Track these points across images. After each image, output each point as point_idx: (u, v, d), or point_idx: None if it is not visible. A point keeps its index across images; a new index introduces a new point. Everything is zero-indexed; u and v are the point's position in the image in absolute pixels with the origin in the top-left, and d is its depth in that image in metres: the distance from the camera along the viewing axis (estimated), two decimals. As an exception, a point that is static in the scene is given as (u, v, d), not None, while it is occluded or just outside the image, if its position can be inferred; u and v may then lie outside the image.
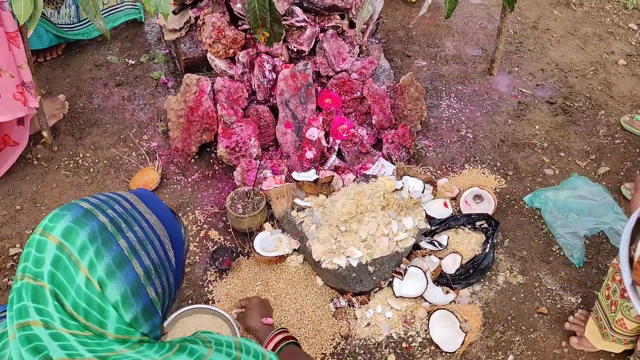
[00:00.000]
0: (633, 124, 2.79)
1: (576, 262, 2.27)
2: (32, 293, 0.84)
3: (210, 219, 2.35)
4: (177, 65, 2.80)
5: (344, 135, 2.47)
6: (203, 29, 2.39)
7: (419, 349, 2.03)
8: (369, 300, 2.10)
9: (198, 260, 2.22)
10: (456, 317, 1.97)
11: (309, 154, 2.42)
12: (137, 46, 3.15)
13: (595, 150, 2.74)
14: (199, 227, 2.32)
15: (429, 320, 2.05)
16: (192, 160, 2.53)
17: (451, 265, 2.19)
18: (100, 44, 3.15)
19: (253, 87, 2.46)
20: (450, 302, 2.10)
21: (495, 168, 2.64)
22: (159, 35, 3.17)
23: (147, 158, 2.54)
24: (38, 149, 2.58)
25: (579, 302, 2.17)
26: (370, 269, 2.06)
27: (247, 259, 2.22)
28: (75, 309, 0.84)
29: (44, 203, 2.40)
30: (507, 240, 2.36)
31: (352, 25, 2.65)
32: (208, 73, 2.57)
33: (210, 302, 2.09)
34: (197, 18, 2.49)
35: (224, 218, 2.35)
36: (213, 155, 2.55)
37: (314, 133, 2.42)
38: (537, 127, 2.85)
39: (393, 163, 2.49)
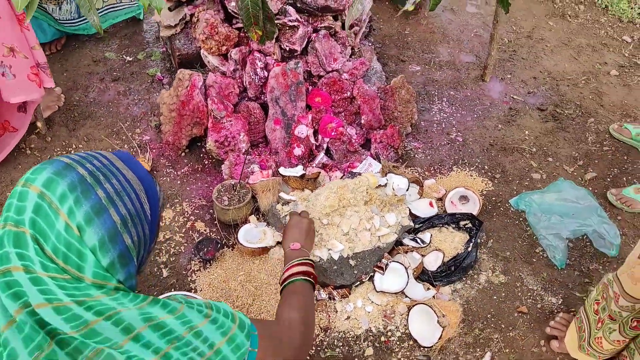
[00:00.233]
0: (621, 132, 2.81)
1: (558, 264, 2.28)
2: (14, 239, 0.88)
3: (198, 211, 2.39)
4: (173, 62, 2.85)
5: (333, 133, 2.50)
6: (197, 26, 2.44)
7: (398, 343, 2.04)
8: (349, 293, 2.12)
9: (183, 251, 2.25)
10: (434, 311, 1.98)
11: (297, 151, 2.46)
12: (135, 44, 3.21)
13: (583, 157, 2.76)
14: (185, 219, 2.35)
15: (408, 315, 2.06)
16: (183, 154, 2.57)
17: (433, 262, 2.20)
18: (99, 41, 3.22)
19: (244, 84, 2.50)
20: (431, 298, 2.11)
21: (483, 171, 2.67)
22: (157, 34, 3.23)
23: (139, 150, 2.58)
24: (32, 139, 2.63)
25: (560, 302, 2.18)
26: (352, 262, 2.07)
27: (232, 250, 2.25)
28: (55, 253, 0.88)
29: (35, 191, 2.44)
30: (491, 240, 2.38)
31: (345, 27, 2.69)
32: (201, 70, 2.62)
33: (193, 290, 2.12)
34: (192, 15, 2.54)
35: (210, 210, 2.38)
36: (203, 149, 2.58)
37: (303, 130, 2.46)
38: (526, 132, 2.88)
39: (381, 163, 2.52)
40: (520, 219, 2.46)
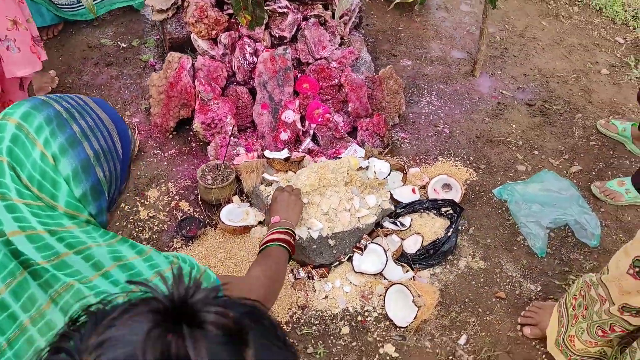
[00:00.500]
0: (608, 128, 2.83)
1: (538, 252, 2.29)
2: None
3: (182, 192, 2.41)
4: (164, 47, 2.90)
5: (319, 119, 2.53)
6: (188, 10, 2.48)
7: (374, 323, 2.05)
8: (328, 273, 2.13)
9: (166, 229, 2.28)
10: (410, 291, 2.00)
11: (284, 136, 2.48)
12: (130, 31, 3.26)
13: (569, 151, 2.77)
14: (170, 198, 2.38)
15: (385, 296, 2.07)
16: (170, 136, 2.61)
17: (412, 245, 2.22)
18: (96, 28, 3.27)
19: (233, 69, 2.54)
20: (409, 280, 2.13)
21: (468, 162, 2.69)
22: (153, 23, 3.28)
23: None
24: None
25: (538, 289, 2.19)
26: (331, 242, 2.09)
27: (214, 229, 2.27)
28: (30, 181, 0.91)
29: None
30: (473, 228, 2.39)
31: (335, 16, 2.73)
32: (192, 54, 2.66)
33: (173, 267, 2.14)
34: (183, 0, 2.59)
35: (195, 191, 2.40)
36: (191, 132, 2.62)
37: (290, 115, 2.49)
38: (513, 126, 2.90)
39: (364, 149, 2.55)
40: (503, 208, 2.48)
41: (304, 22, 2.60)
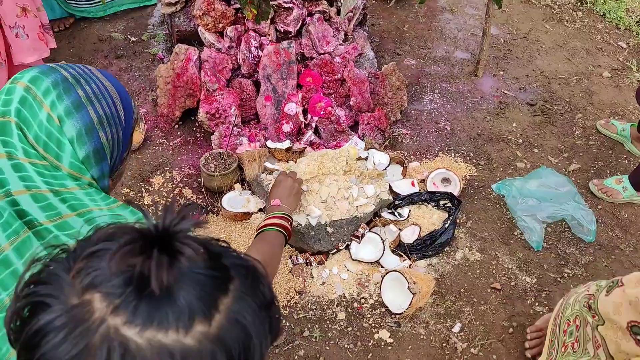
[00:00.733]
0: (608, 128, 2.86)
1: (535, 246, 2.32)
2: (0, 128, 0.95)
3: (186, 179, 2.47)
4: (172, 40, 2.96)
5: (322, 112, 2.58)
6: (196, 3, 2.55)
7: (370, 310, 2.09)
8: (326, 260, 2.17)
9: (169, 214, 2.32)
10: (405, 278, 2.03)
11: (286, 127, 2.53)
12: (141, 26, 3.33)
13: (569, 149, 2.80)
14: (174, 185, 2.44)
15: (381, 283, 2.11)
16: (176, 126, 2.66)
17: (410, 236, 2.26)
18: (107, 22, 3.34)
19: (238, 61, 2.60)
20: (405, 268, 2.16)
21: (468, 158, 2.72)
22: (163, 18, 3.35)
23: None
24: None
25: (534, 282, 2.22)
26: (329, 229, 2.14)
27: (216, 216, 2.32)
28: (36, 141, 0.95)
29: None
30: (470, 221, 2.42)
31: (339, 13, 2.79)
32: (199, 47, 2.72)
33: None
34: (192, -6, 2.66)
35: (198, 179, 2.46)
36: (196, 123, 2.67)
37: (292, 108, 2.54)
38: (514, 124, 2.93)
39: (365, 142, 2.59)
40: (501, 203, 2.51)
41: (308, 18, 2.66)
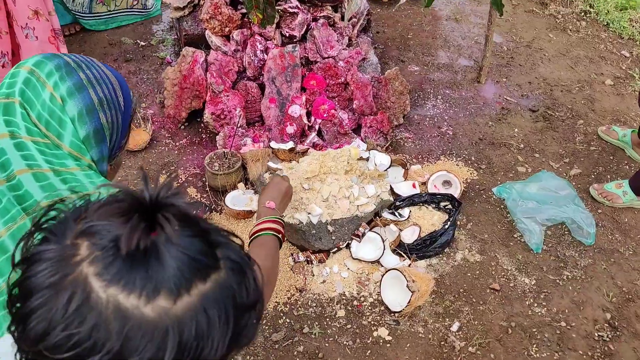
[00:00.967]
0: (609, 134, 2.88)
1: (534, 248, 2.34)
2: (3, 108, 0.99)
3: (191, 179, 2.51)
4: (180, 43, 3.03)
5: (325, 115, 2.63)
6: (203, 7, 2.61)
7: (369, 308, 2.11)
8: (327, 258, 2.20)
9: (173, 212, 2.37)
10: (404, 276, 2.06)
11: (290, 129, 2.58)
12: (150, 31, 3.40)
13: (570, 155, 2.83)
14: (178, 184, 2.48)
15: (381, 282, 2.13)
16: (182, 127, 2.72)
17: (410, 236, 2.28)
18: (117, 28, 3.42)
19: (244, 64, 2.65)
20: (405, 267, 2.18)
21: (469, 162, 2.76)
22: (172, 23, 3.42)
23: (142, 122, 2.73)
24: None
25: (533, 283, 2.24)
26: (330, 228, 2.17)
27: (219, 214, 2.36)
28: (39, 119, 0.99)
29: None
30: (471, 223, 2.45)
31: (343, 18, 2.85)
32: (206, 50, 2.78)
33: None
34: (200, -1, 2.73)
35: (203, 179, 2.50)
36: (202, 124, 2.73)
37: (296, 110, 2.59)
38: (516, 130, 2.97)
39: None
40: (502, 206, 2.53)
41: (313, 23, 2.71)
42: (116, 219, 0.55)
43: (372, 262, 2.20)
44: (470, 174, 2.69)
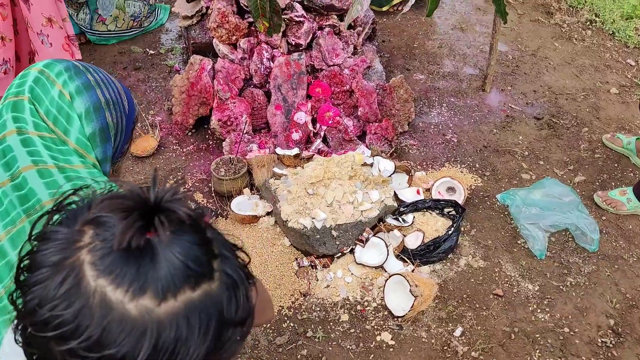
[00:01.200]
0: (614, 142, 2.89)
1: (538, 254, 2.35)
2: (12, 106, 1.02)
3: (197, 184, 2.55)
4: (188, 52, 3.08)
5: (330, 122, 2.66)
6: (211, 16, 2.66)
7: (373, 312, 2.13)
8: (331, 263, 2.22)
9: (180, 217, 2.40)
10: (407, 281, 2.07)
11: (295, 136, 2.61)
12: (160, 40, 3.46)
13: (574, 162, 2.84)
14: (185, 190, 2.52)
15: (384, 287, 2.15)
16: (189, 134, 2.76)
17: (414, 241, 2.30)
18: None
19: (251, 72, 2.69)
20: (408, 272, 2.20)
21: (474, 168, 2.77)
22: (180, 32, 3.48)
23: (150, 129, 2.78)
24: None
25: (536, 289, 2.24)
26: (334, 233, 2.19)
27: (225, 219, 2.39)
28: (47, 114, 1.01)
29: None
30: (475, 230, 2.46)
31: (349, 27, 2.89)
32: (213, 59, 2.83)
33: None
34: (207, 8, 2.77)
35: (209, 184, 2.54)
36: (209, 131, 2.77)
37: (302, 117, 2.62)
38: (520, 137, 2.98)
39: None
40: (506, 213, 2.55)
41: (319, 31, 2.75)
42: (117, 214, 0.57)
43: (376, 267, 2.22)
44: (475, 180, 2.70)
